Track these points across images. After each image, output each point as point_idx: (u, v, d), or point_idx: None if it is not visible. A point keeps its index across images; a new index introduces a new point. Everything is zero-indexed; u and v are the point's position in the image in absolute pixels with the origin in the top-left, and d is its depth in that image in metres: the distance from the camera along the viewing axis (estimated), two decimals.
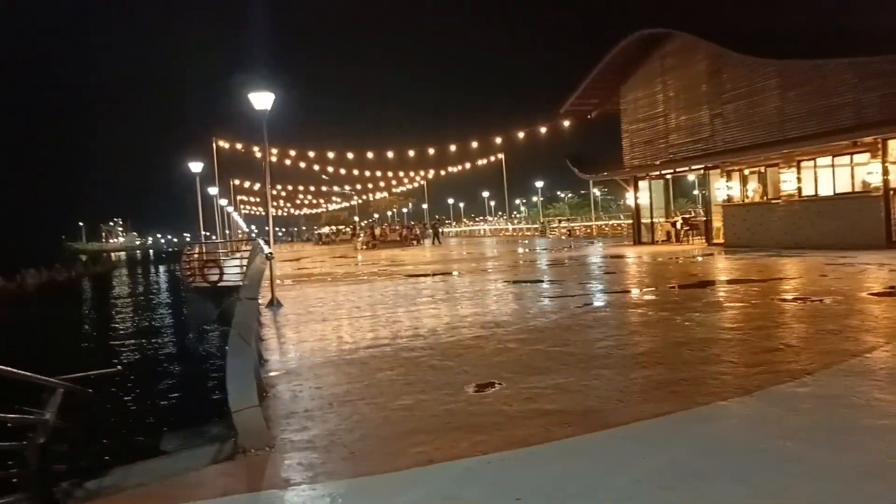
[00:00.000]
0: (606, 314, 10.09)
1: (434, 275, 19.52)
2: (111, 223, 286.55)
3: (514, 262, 23.82)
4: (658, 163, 27.64)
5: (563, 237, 47.02)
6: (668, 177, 29.28)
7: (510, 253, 31.40)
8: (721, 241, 24.54)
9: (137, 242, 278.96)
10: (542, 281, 15.81)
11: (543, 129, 40.60)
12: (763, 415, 4.91)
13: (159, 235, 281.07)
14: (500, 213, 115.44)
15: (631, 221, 35.26)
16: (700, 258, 20.43)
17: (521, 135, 47.11)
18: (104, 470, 8.66)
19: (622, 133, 30.13)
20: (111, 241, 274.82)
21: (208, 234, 73.35)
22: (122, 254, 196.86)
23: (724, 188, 24.33)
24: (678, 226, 28.48)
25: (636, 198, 29.69)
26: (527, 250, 33.20)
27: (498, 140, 47.33)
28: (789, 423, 4.67)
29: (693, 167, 26.30)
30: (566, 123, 37.95)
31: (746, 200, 23.92)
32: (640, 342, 7.79)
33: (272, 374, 7.29)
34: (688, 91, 25.85)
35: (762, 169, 23.72)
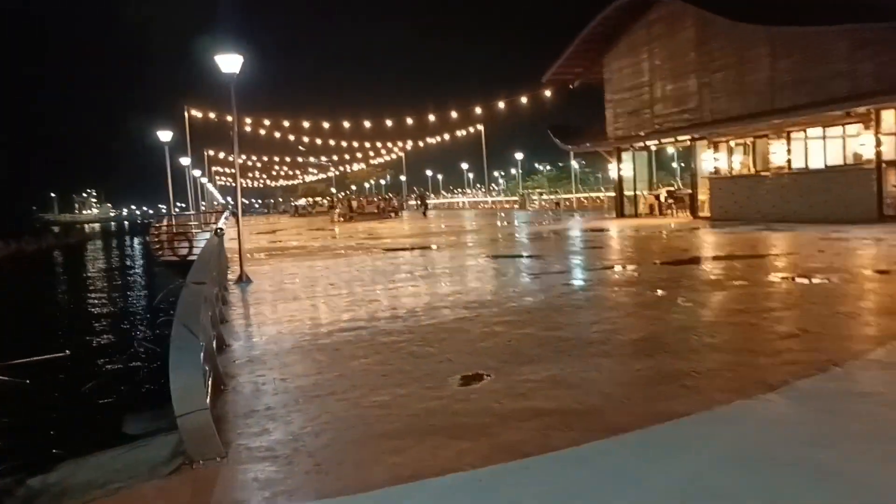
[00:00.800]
0: (598, 293, 9.44)
1: (413, 249, 18.79)
2: (84, 194, 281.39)
3: (495, 236, 23.15)
4: (643, 133, 26.99)
5: (551, 210, 46.30)
6: (653, 148, 28.67)
7: (490, 226, 30.73)
8: (707, 214, 24.01)
9: (112, 214, 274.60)
10: (526, 256, 15.15)
11: (524, 99, 39.71)
12: (793, 417, 4.27)
13: (133, 207, 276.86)
14: (478, 185, 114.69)
15: (613, 194, 34.74)
16: (687, 232, 19.87)
17: (501, 105, 46.21)
18: (51, 464, 7.94)
19: (606, 103, 29.42)
20: (84, 212, 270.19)
21: (183, 205, 71.98)
22: (97, 225, 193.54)
23: (710, 160, 23.75)
24: (662, 198, 27.92)
25: (619, 170, 29.07)
26: (507, 223, 32.54)
27: (478, 110, 46.38)
28: (825, 428, 4.03)
29: (679, 138, 25.66)
30: (548, 93, 37.14)
31: (734, 173, 23.37)
32: (639, 326, 7.14)
33: (234, 362, 6.56)
34: (675, 60, 25.14)
35: (748, 141, 23.18)
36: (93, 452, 7.85)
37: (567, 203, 49.04)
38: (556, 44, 31.94)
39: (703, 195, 24.95)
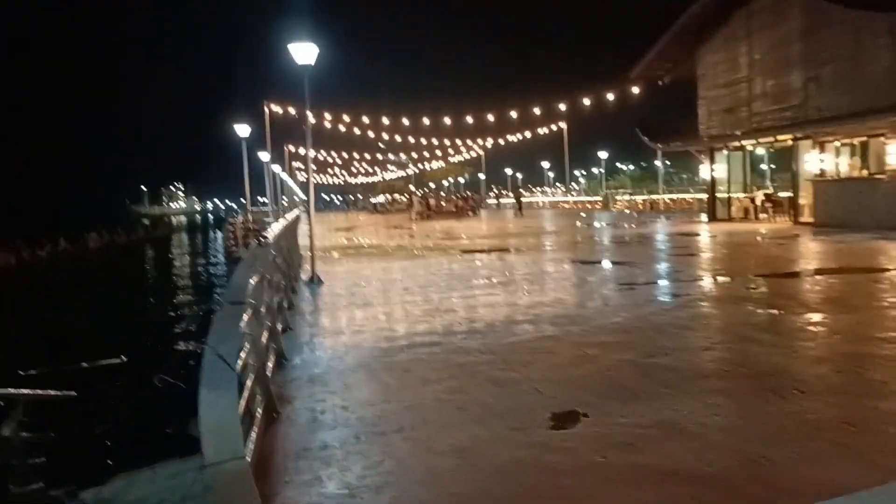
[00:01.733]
0: (702, 310, 8.32)
1: (491, 251, 17.90)
2: (172, 187, 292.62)
3: (578, 238, 22.00)
4: (739, 133, 25.27)
5: (636, 212, 44.45)
6: (749, 148, 26.86)
7: (572, 227, 29.52)
8: (809, 219, 22.19)
9: (197, 207, 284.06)
10: (614, 262, 14.03)
11: (610, 96, 38.25)
12: None
13: (216, 200, 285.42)
14: (557, 184, 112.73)
15: (703, 196, 32.95)
16: (790, 239, 18.29)
17: (584, 102, 44.80)
18: (104, 478, 7.40)
19: (698, 100, 27.76)
20: (172, 205, 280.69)
21: (263, 200, 73.09)
22: (183, 218, 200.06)
23: (815, 161, 21.93)
24: (758, 202, 26.10)
25: (712, 170, 27.38)
26: (590, 225, 31.24)
27: (561, 107, 45.07)
28: None
29: (779, 137, 23.85)
30: (635, 90, 35.61)
31: (842, 175, 21.50)
32: (760, 354, 6.04)
33: (293, 381, 5.83)
34: (777, 53, 23.36)
35: (856, 141, 21.28)
36: (148, 465, 7.38)
37: (653, 204, 47.11)
38: (644, 39, 30.44)
39: (804, 199, 23.11)
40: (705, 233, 21.69)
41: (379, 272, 13.86)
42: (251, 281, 4.37)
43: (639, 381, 5.32)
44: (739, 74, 25.29)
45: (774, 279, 10.86)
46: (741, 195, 27.38)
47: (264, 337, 5.85)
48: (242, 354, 4.43)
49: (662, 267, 13.01)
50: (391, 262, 15.77)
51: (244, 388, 4.45)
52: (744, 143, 25.73)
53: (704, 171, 28.56)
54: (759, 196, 26.23)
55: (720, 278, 11.10)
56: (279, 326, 7.42)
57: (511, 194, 53.18)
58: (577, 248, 18.40)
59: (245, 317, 3.94)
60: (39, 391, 5.12)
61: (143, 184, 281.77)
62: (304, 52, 12.13)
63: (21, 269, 52.36)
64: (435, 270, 13.67)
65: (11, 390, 4.93)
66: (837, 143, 21.63)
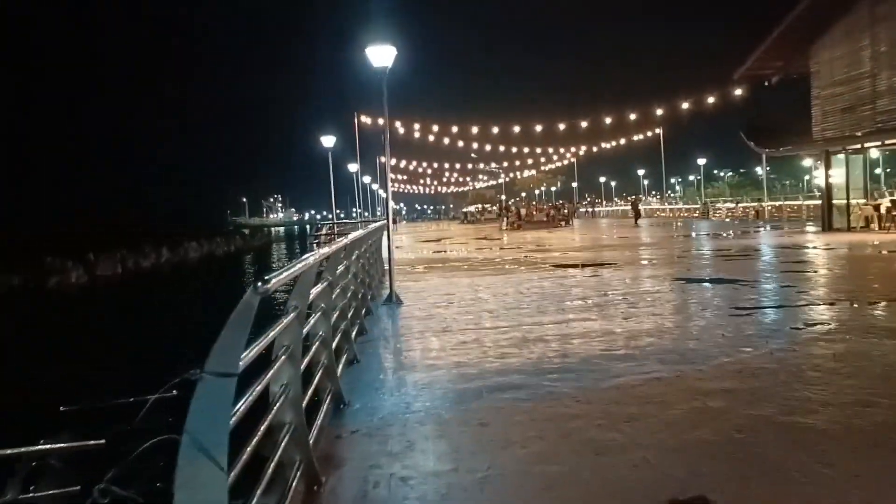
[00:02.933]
0: (848, 345, 6.89)
1: (585, 266, 16.62)
2: (271, 199, 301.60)
3: (681, 252, 20.37)
4: (860, 134, 23.00)
5: (737, 221, 41.74)
6: (873, 151, 24.46)
7: (671, 238, 27.74)
8: None
9: (295, 218, 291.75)
10: (726, 281, 12.53)
11: (711, 99, 36.10)
12: None
13: (313, 211, 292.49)
14: (653, 192, 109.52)
15: (815, 203, 30.54)
16: None
17: (683, 106, 42.71)
18: None
19: (812, 100, 25.54)
20: (271, 216, 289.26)
21: (360, 211, 73.65)
22: (281, 229, 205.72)
23: None
24: (883, 210, 23.68)
25: (828, 176, 25.10)
26: (691, 235, 29.33)
27: (657, 112, 43.07)
28: None
29: None
30: (737, 92, 33.53)
31: None
32: None
33: (348, 435, 4.89)
34: None
35: None
36: None
37: (757, 212, 44.32)
38: (749, 36, 28.36)
39: None
40: (823, 245, 19.65)
41: (464, 290, 12.87)
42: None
43: (783, 451, 4.09)
44: (861, 69, 23.04)
45: None
46: (861, 202, 24.98)
47: (317, 378, 4.97)
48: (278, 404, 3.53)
49: (781, 287, 11.45)
50: (477, 278, 14.75)
51: (277, 448, 3.53)
52: (866, 144, 23.41)
53: (819, 177, 26.27)
54: (885, 203, 23.78)
55: (856, 303, 9.51)
56: (342, 360, 6.55)
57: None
58: (678, 262, 16.88)
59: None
60: (49, 446, 4.33)
61: (244, 195, 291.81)
62: (381, 55, 11.32)
63: (125, 279, 54.50)
64: (524, 288, 12.56)
65: (15, 450, 4.14)
66: None
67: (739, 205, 45.81)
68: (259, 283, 2.35)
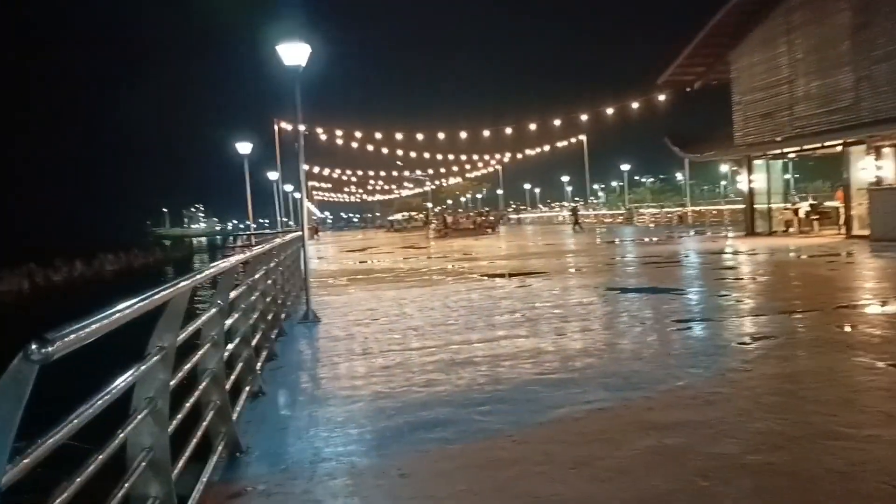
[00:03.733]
0: (800, 363, 6.37)
1: (513, 275, 16.02)
2: (192, 209, 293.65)
3: (609, 258, 20.06)
4: (780, 139, 23.28)
5: (660, 227, 42.17)
6: (791, 156, 24.84)
7: (598, 245, 27.58)
8: (863, 232, 20.13)
9: (217, 227, 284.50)
10: (660, 290, 12.10)
11: (634, 105, 36.36)
12: None
13: (236, 221, 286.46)
14: (576, 198, 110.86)
15: (736, 207, 31.04)
16: (851, 256, 16.30)
17: (606, 112, 43.00)
18: None
19: (733, 106, 25.81)
20: (193, 226, 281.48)
21: (286, 220, 71.70)
22: (204, 239, 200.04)
23: (871, 168, 19.85)
24: (802, 213, 24.05)
25: (750, 181, 25.36)
26: (617, 242, 29.29)
27: (582, 118, 43.25)
28: None
29: (827, 143, 21.83)
30: (660, 98, 33.82)
31: None
32: None
33: (239, 493, 4.01)
34: (822, 51, 21.40)
35: None
36: None
37: (681, 217, 45.01)
38: (671, 42, 28.58)
39: (856, 209, 21.06)
40: (749, 249, 19.67)
41: (388, 304, 12.04)
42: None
43: None
44: (779, 76, 23.35)
45: (863, 312, 8.92)
46: (783, 206, 25.36)
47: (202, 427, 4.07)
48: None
49: (716, 295, 11.07)
50: (403, 291, 13.94)
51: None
52: (785, 150, 23.73)
53: (741, 182, 26.55)
54: (804, 207, 24.17)
55: (797, 312, 9.13)
56: (243, 394, 5.64)
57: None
58: (608, 270, 16.47)
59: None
60: None
61: (164, 206, 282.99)
62: (293, 53, 10.43)
63: (34, 295, 51.37)
64: (451, 301, 11.82)
65: None
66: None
67: (664, 210, 46.35)
68: (37, 345, 1.49)
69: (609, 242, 28.97)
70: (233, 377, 5.45)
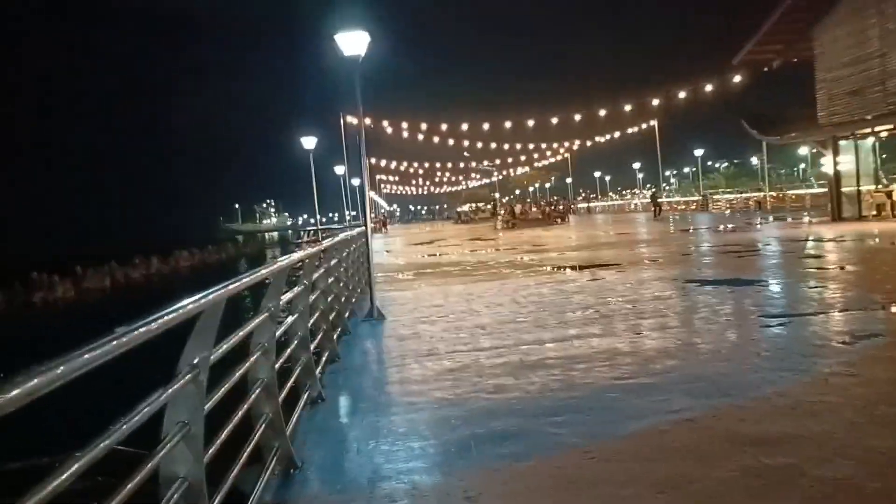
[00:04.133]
0: None
1: (585, 268, 15.43)
2: (264, 204, 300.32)
3: (685, 248, 19.19)
4: (870, 117, 21.83)
5: (738, 213, 40.28)
6: (884, 135, 23.29)
7: (673, 234, 26.56)
8: None
9: (289, 222, 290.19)
10: (741, 281, 11.35)
11: (708, 88, 34.91)
12: None
13: (306, 215, 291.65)
14: (648, 185, 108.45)
15: (820, 192, 29.47)
16: None
17: (678, 97, 41.59)
18: None
19: (817, 84, 24.39)
20: (265, 221, 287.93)
21: (354, 214, 72.31)
22: (275, 234, 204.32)
23: None
24: None
25: (836, 163, 23.94)
26: (692, 230, 28.16)
27: (654, 102, 41.89)
28: None
29: None
30: (736, 79, 32.36)
31: None
32: None
33: None
34: None
35: None
36: None
37: (760, 203, 43.19)
38: (748, 20, 27.15)
39: None
40: (837, 236, 18.49)
41: (455, 300, 11.67)
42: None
43: None
44: (870, 49, 21.88)
45: None
46: (871, 189, 23.85)
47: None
48: None
49: (806, 287, 10.27)
50: (470, 286, 13.55)
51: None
52: (876, 129, 22.26)
53: (826, 165, 25.11)
54: None
55: None
56: (301, 402, 5.36)
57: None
58: (685, 261, 15.68)
59: None
60: None
61: (237, 202, 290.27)
62: (352, 42, 10.12)
63: (114, 291, 53.27)
64: (520, 297, 11.35)
65: None
66: None
67: (741, 195, 44.07)
68: None
69: (684, 231, 27.89)
70: (289, 383, 5.17)
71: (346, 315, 9.98)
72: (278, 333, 4.62)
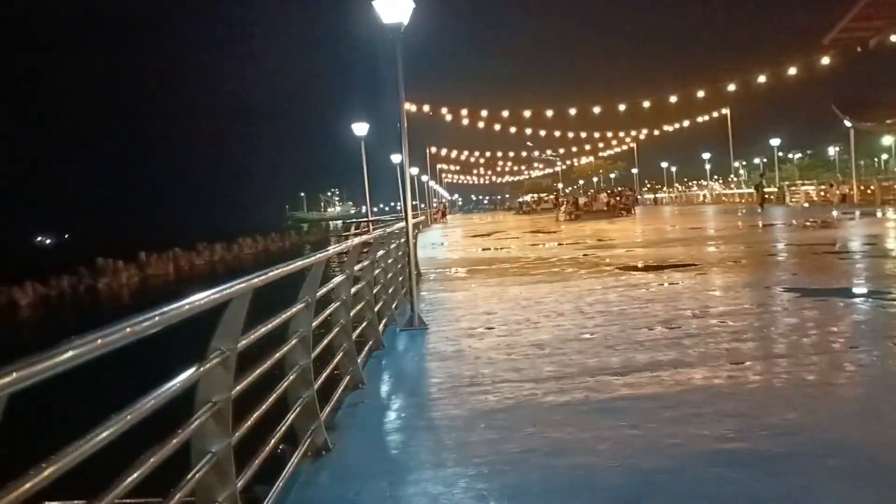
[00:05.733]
0: None
1: (658, 269, 13.70)
2: (329, 193, 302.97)
3: (770, 247, 17.19)
4: None
5: (836, 203, 37.15)
6: None
7: (755, 230, 24.36)
8: None
9: (352, 211, 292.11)
10: (852, 291, 9.52)
11: (791, 71, 32.27)
12: None
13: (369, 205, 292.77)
14: (715, 177, 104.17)
15: None
16: None
17: (751, 81, 38.86)
18: None
19: None
20: (329, 210, 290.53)
21: (418, 203, 71.25)
22: (339, 222, 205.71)
23: None
24: None
25: None
26: (779, 225, 25.84)
27: (729, 87, 39.28)
28: None
29: None
30: (824, 61, 29.73)
31: None
32: None
33: None
34: None
35: None
36: None
37: (845, 197, 40.20)
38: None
39: None
40: None
41: (509, 306, 10.17)
42: None
43: None
44: None
45: None
46: None
47: None
48: None
49: None
50: (528, 287, 12.03)
51: None
52: None
53: None
54: None
55: None
56: (299, 451, 4.01)
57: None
58: (774, 263, 13.80)
59: None
60: None
61: (302, 190, 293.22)
62: (392, 8, 8.69)
63: (179, 278, 53.62)
64: (585, 305, 9.77)
65: None
66: None
67: (825, 186, 40.59)
68: None
69: (764, 226, 25.65)
70: (288, 420, 3.96)
71: (382, 325, 8.63)
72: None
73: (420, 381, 6.41)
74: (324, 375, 5.03)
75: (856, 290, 9.46)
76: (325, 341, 5.35)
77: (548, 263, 16.22)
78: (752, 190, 46.56)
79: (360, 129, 25.81)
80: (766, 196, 39.58)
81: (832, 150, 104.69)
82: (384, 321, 8.92)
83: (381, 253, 8.71)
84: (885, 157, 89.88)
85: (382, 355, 7.46)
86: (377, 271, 8.53)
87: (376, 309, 7.95)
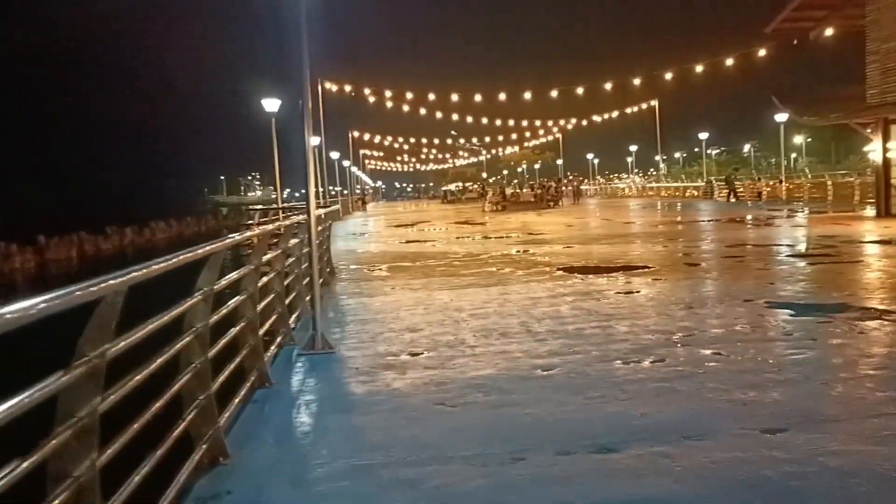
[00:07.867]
0: None
1: (605, 271, 12.02)
2: (249, 177, 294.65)
3: (727, 247, 15.78)
4: None
5: (751, 203, 36.75)
6: None
7: (694, 225, 23.21)
8: None
9: (273, 196, 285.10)
10: (848, 305, 7.98)
11: (729, 62, 31.43)
12: None
13: (290, 189, 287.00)
14: (636, 170, 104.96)
15: (843, 181, 26.35)
16: None
17: (684, 73, 38.20)
18: None
19: (867, 56, 20.97)
20: (249, 194, 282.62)
21: (340, 189, 68.46)
22: (259, 206, 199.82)
23: None
24: None
25: (885, 150, 20.64)
26: (718, 221, 24.71)
27: (669, 75, 38.45)
28: None
29: None
30: (761, 53, 28.98)
31: None
32: None
33: None
34: None
35: None
36: None
37: (764, 192, 40.02)
38: None
39: None
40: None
41: (438, 319, 8.20)
42: None
43: None
44: None
45: None
46: None
47: None
48: None
49: None
50: (460, 293, 10.12)
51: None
52: None
53: (874, 151, 21.79)
54: None
55: None
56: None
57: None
58: (741, 267, 12.27)
59: None
60: None
61: (221, 174, 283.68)
62: None
63: (81, 263, 49.69)
64: (533, 319, 7.88)
65: None
66: None
67: (755, 181, 40.06)
68: None
69: (707, 221, 24.56)
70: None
71: (274, 348, 6.60)
72: None
73: (312, 455, 4.35)
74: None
75: (838, 303, 7.90)
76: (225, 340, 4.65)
77: (479, 261, 14.36)
78: (675, 183, 46.17)
79: (272, 104, 23.34)
80: (734, 190, 39.59)
81: (747, 147, 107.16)
82: (278, 340, 6.88)
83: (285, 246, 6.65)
84: (794, 155, 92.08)
85: (266, 398, 5.39)
86: (277, 271, 6.56)
87: (262, 331, 5.89)
